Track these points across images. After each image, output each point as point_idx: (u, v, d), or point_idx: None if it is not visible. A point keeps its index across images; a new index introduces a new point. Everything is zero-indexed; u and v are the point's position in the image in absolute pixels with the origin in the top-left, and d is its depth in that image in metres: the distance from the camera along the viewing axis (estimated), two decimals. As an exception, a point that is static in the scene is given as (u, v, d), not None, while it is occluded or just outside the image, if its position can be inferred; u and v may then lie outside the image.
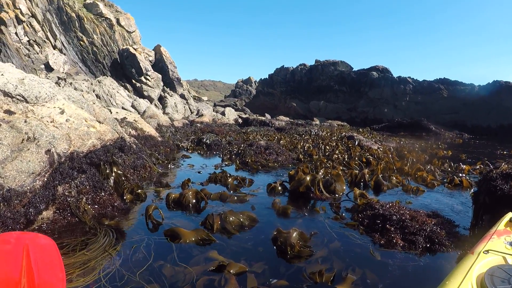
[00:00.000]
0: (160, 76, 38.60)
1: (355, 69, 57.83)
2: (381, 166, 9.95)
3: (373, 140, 19.48)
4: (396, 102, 48.22)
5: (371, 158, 11.85)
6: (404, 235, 5.01)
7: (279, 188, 7.59)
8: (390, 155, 12.68)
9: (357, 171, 9.02)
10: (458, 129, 37.42)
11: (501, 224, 3.92)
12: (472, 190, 8.13)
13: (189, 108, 38.11)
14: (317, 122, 40.65)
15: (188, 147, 14.01)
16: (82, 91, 25.33)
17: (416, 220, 5.28)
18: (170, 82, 40.77)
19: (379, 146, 15.94)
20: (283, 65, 63.58)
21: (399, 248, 4.77)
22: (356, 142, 16.41)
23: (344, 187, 7.74)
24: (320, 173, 7.86)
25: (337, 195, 7.35)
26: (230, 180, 8.13)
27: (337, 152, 12.60)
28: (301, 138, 18.52)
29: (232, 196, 6.80)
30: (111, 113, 12.56)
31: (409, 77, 50.62)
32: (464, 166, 11.50)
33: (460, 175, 10.09)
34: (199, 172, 9.58)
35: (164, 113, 31.89)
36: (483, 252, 3.34)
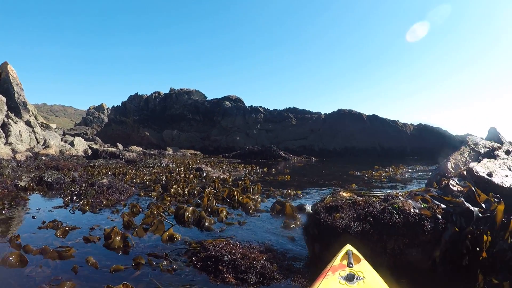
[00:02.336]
0: (4, 99, 35.38)
1: (209, 98, 58.97)
2: (206, 200, 9.75)
3: (221, 170, 19.71)
4: (248, 130, 49.82)
5: (210, 190, 11.67)
6: (237, 274, 5.01)
7: (97, 240, 6.83)
8: (231, 186, 12.70)
9: (185, 206, 8.79)
10: (306, 153, 39.67)
11: (337, 259, 4.00)
12: (285, 219, 8.34)
13: (36, 137, 35.50)
14: (170, 152, 40.35)
15: (28, 187, 12.86)
16: None
17: (247, 258, 5.33)
18: (15, 107, 37.61)
19: (227, 176, 16.15)
20: (137, 92, 62.91)
21: (233, 288, 4.72)
22: (204, 174, 16.50)
23: (165, 230, 7.27)
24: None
25: (152, 242, 6.82)
26: (59, 232, 7.23)
27: (175, 186, 12.24)
28: (149, 171, 18.23)
29: (53, 252, 6.00)
30: None
31: (261, 107, 52.80)
32: (292, 192, 12.03)
33: (289, 200, 10.35)
34: (33, 217, 8.72)
35: (7, 143, 29.42)
36: None
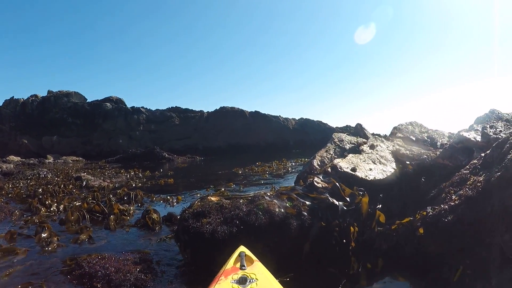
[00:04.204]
0: None
1: (89, 100, 56.80)
2: (70, 216, 8.94)
3: (102, 177, 19.03)
4: (131, 132, 48.89)
5: (87, 201, 10.88)
6: (111, 289, 4.94)
7: None
8: (110, 195, 12.27)
9: (48, 225, 7.93)
10: (191, 153, 39.67)
11: (230, 262, 3.94)
12: (155, 230, 8.01)
13: None
14: (51, 160, 38.46)
15: None
16: None
17: (121, 271, 5.24)
18: None
19: (107, 183, 15.69)
20: (13, 96, 57.66)
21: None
22: (84, 183, 15.92)
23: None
24: None
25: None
26: None
27: (48, 201, 11.19)
28: (27, 184, 17.15)
29: None
30: None
31: (143, 107, 52.02)
32: (171, 198, 11.75)
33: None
34: None
35: None
36: None
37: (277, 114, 51.56)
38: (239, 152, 43.39)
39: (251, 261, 4.02)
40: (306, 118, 52.89)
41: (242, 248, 4.30)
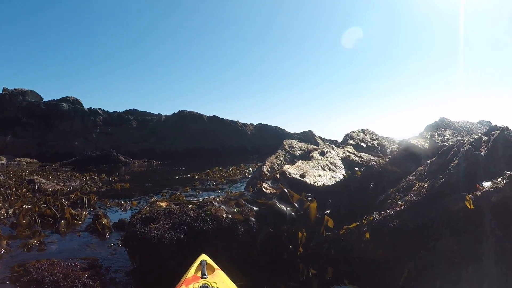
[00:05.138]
0: None
1: (46, 99, 55.23)
2: (21, 219, 8.70)
3: (56, 180, 18.60)
4: (87, 134, 47.89)
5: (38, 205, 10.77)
6: (58, 296, 4.89)
7: None
8: (63, 199, 12.07)
9: None
10: (148, 157, 39.08)
11: (191, 271, 3.92)
12: (103, 235, 7.96)
13: None
14: (4, 162, 37.40)
15: None
16: None
17: (69, 277, 5.21)
18: None
19: (61, 187, 15.41)
20: None
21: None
22: (37, 186, 15.59)
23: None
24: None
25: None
26: None
27: (1, 203, 11.23)
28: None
29: None
30: None
31: (100, 109, 51.05)
32: (125, 203, 11.67)
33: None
34: None
35: None
36: None
37: (235, 119, 51.84)
38: (197, 156, 43.28)
39: (212, 270, 4.03)
40: (263, 124, 53.26)
41: (203, 257, 4.31)
